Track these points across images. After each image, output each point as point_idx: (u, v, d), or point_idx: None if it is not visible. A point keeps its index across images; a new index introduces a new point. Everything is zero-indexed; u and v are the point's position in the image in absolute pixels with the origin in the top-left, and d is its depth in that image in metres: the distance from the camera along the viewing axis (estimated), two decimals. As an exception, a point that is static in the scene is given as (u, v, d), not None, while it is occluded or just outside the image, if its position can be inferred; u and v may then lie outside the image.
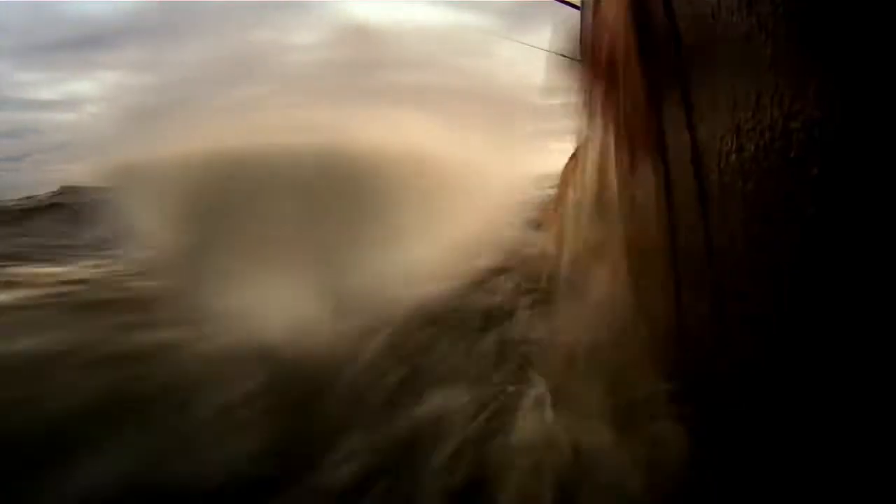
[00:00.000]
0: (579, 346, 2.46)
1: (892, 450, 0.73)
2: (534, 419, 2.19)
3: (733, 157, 0.87)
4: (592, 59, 2.08)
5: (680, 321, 1.41)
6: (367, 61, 10.56)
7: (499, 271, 5.02)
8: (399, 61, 10.70)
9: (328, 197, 6.45)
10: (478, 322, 3.48)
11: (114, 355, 3.82)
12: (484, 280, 4.77)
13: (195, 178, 7.90)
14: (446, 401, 2.35)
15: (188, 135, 8.66)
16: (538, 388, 2.39)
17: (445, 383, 2.49)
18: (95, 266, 8.39)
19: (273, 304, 4.84)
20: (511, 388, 2.40)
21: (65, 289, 6.87)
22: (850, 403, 0.81)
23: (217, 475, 1.97)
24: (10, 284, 6.62)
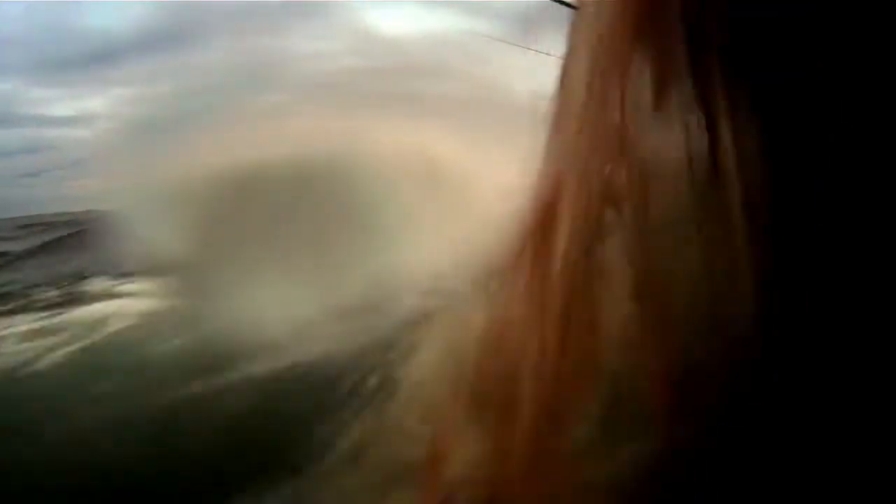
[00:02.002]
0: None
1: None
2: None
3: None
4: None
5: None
6: (383, 69, 10.69)
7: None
8: (414, 70, 10.85)
9: (320, 211, 6.66)
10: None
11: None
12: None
13: (211, 192, 8.02)
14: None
15: (201, 149, 8.77)
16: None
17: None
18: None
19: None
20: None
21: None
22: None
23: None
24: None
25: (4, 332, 5.89)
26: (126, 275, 8.85)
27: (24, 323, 6.25)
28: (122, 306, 7.16)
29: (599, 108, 1.71)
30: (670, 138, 1.23)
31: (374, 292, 5.31)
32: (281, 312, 4.97)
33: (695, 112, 0.99)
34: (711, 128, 1.01)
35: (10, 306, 7.38)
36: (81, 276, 9.30)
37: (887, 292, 0.72)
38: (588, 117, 1.73)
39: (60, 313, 6.69)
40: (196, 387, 3.76)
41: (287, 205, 6.91)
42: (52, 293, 8.22)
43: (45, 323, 6.23)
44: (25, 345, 5.36)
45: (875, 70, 0.66)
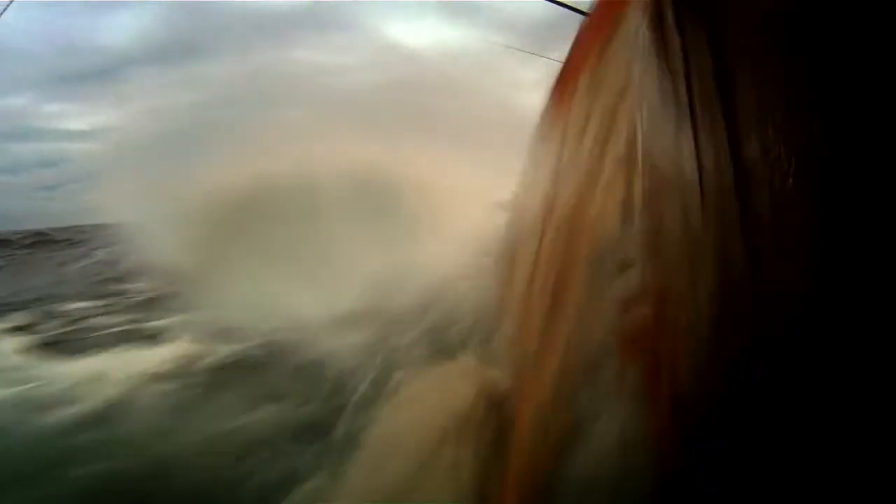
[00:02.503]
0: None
1: None
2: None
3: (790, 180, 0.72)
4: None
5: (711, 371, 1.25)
6: (398, 85, 10.85)
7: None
8: (428, 85, 10.95)
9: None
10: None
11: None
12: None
13: (220, 206, 8.14)
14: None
15: (214, 163, 8.87)
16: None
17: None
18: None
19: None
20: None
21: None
22: None
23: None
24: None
25: None
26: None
27: None
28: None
29: (610, 121, 1.68)
30: (685, 149, 1.20)
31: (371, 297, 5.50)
32: (286, 315, 5.24)
33: (717, 123, 0.95)
34: (733, 138, 0.97)
35: None
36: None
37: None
38: (598, 132, 1.70)
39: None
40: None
41: (289, 218, 7.16)
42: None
43: None
44: None
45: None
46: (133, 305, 8.30)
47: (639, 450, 1.54)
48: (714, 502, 1.20)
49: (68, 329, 6.90)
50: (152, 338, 5.94)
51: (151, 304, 7.90)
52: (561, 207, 1.84)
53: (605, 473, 1.65)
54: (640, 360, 1.63)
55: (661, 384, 1.70)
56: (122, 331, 6.53)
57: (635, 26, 1.63)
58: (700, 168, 1.18)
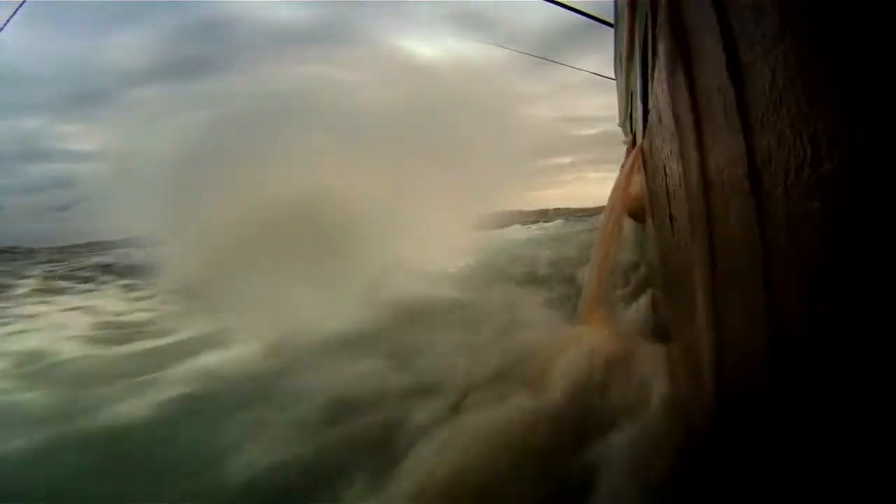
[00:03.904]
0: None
1: None
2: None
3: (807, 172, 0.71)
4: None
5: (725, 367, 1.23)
6: (416, 102, 11.04)
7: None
8: (441, 101, 11.09)
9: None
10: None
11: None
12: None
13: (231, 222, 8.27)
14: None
15: (224, 180, 8.98)
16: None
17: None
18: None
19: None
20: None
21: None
22: None
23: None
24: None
25: None
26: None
27: None
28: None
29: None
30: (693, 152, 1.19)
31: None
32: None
33: (730, 116, 0.95)
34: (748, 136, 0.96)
35: None
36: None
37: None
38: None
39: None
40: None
41: (298, 236, 7.36)
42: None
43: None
44: None
45: None
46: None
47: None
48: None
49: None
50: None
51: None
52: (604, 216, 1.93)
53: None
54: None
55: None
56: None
57: (640, 38, 1.64)
58: (709, 167, 1.18)
